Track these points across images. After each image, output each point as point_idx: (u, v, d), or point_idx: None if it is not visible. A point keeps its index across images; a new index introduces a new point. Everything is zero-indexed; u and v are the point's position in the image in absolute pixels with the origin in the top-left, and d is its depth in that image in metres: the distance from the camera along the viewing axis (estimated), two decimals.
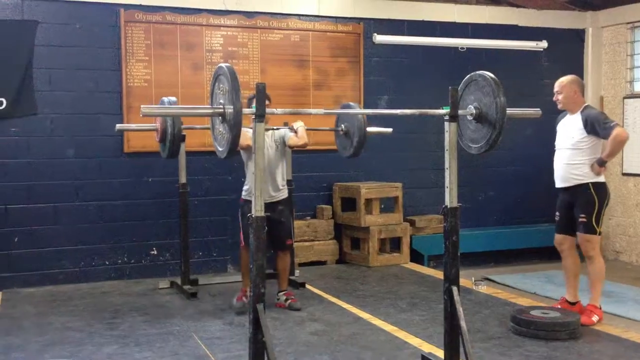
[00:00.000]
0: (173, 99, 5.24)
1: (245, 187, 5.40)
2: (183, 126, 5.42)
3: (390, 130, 5.81)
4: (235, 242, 6.90)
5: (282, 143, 5.43)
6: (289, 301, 5.45)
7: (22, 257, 6.33)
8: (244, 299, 5.36)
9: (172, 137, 5.22)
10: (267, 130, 5.28)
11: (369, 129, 5.27)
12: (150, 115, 4.89)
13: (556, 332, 4.61)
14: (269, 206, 4.99)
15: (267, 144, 5.27)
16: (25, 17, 6.27)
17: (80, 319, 5.24)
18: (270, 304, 5.32)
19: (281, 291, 5.56)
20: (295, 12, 7.22)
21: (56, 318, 5.26)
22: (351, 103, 5.37)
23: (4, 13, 6.21)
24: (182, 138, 5.51)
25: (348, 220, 7.27)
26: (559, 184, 5.26)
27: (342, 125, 5.34)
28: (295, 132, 5.37)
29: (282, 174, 5.48)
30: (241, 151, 5.23)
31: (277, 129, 5.46)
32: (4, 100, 6.18)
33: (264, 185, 5.03)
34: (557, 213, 5.34)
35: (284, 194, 5.51)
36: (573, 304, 5.30)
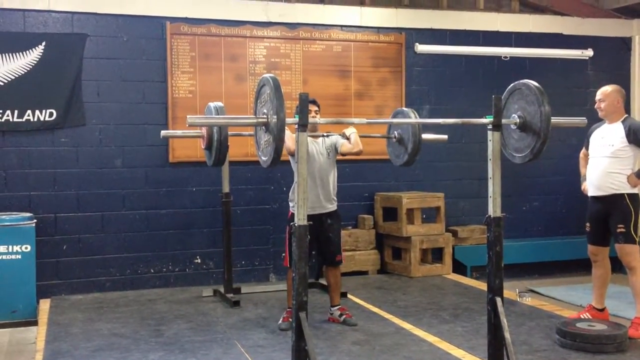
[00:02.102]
0: (219, 104, 5.18)
1: (292, 198, 5.08)
2: (229, 133, 5.27)
3: (445, 137, 5.61)
4: (276, 251, 6.97)
5: (334, 150, 5.25)
6: (344, 316, 5.31)
7: (71, 264, 6.48)
8: (290, 319, 5.29)
9: (219, 144, 5.12)
10: (317, 137, 5.22)
11: (424, 136, 5.00)
12: (196, 125, 4.95)
13: (603, 345, 4.52)
14: (318, 218, 5.00)
15: (317, 151, 5.18)
16: (75, 30, 6.46)
17: (126, 325, 5.34)
18: (323, 319, 5.36)
19: (334, 306, 5.39)
20: (337, 22, 7.27)
21: (103, 325, 5.37)
22: (404, 109, 5.07)
23: (55, 27, 6.40)
24: (228, 146, 5.38)
25: (389, 230, 7.26)
26: (593, 192, 5.21)
27: (396, 132, 5.09)
28: (348, 138, 5.17)
29: (333, 183, 5.27)
30: (290, 159, 4.97)
31: (328, 135, 5.27)
32: (54, 111, 6.36)
33: (315, 194, 5.09)
34: (588, 224, 5.31)
35: (335, 206, 5.31)
36: (600, 310, 5.28)
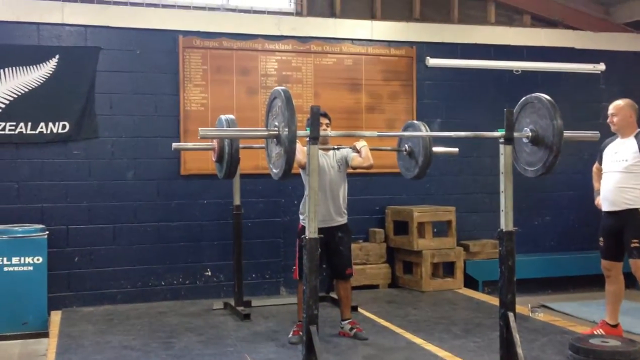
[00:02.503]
0: (231, 117, 5.18)
1: (303, 211, 5.13)
2: (240, 145, 5.21)
3: (456, 150, 5.58)
4: (287, 264, 6.95)
5: (345, 164, 5.23)
6: (355, 330, 5.24)
7: (82, 276, 6.50)
8: (300, 333, 5.30)
9: (230, 157, 5.08)
10: (328, 150, 5.19)
11: (435, 149, 4.94)
12: (208, 137, 4.95)
13: None
14: (328, 231, 4.95)
15: (328, 164, 5.18)
16: (88, 43, 6.51)
17: (137, 338, 5.34)
18: (333, 333, 5.34)
19: (345, 320, 5.33)
20: (348, 36, 7.30)
21: (114, 337, 5.37)
22: (415, 122, 5.00)
23: (69, 40, 6.46)
24: (239, 158, 5.32)
25: (400, 244, 7.23)
26: (607, 207, 5.18)
27: (406, 145, 5.03)
28: (359, 152, 5.16)
29: (344, 196, 5.25)
30: (301, 172, 5.00)
31: (339, 148, 5.23)
32: (67, 123, 6.40)
33: (326, 207, 5.08)
34: (601, 239, 5.27)
35: (345, 219, 5.28)
36: (614, 326, 5.23)
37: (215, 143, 5.29)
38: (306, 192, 4.87)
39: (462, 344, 5.10)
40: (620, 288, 5.26)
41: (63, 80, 6.37)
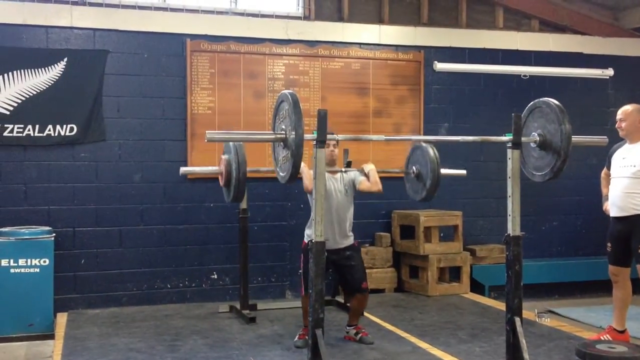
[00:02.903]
0: (239, 143, 5.04)
1: (307, 232, 5.12)
2: (248, 168, 5.15)
3: (464, 172, 5.59)
4: (293, 267, 6.95)
5: (352, 187, 5.18)
6: (360, 335, 5.21)
7: (88, 278, 6.51)
8: (306, 337, 5.34)
9: (237, 182, 5.06)
10: (335, 172, 5.16)
11: (443, 171, 4.94)
12: (214, 140, 4.94)
13: None
14: (334, 252, 4.97)
15: (335, 188, 5.12)
16: (96, 47, 6.53)
17: (142, 340, 5.34)
18: (339, 337, 5.33)
19: (351, 325, 5.31)
20: (356, 40, 7.30)
21: (120, 339, 5.37)
22: (423, 145, 4.99)
23: (77, 43, 6.48)
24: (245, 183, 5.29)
25: (407, 248, 7.22)
26: (615, 212, 5.17)
27: (414, 167, 5.04)
28: (367, 175, 5.14)
29: (350, 220, 5.19)
30: (308, 197, 4.91)
31: (347, 171, 5.21)
32: (74, 126, 6.42)
33: (331, 231, 4.99)
34: (609, 244, 5.26)
35: (350, 240, 5.21)
36: (621, 332, 5.22)
37: (222, 168, 5.26)
38: (312, 215, 4.75)
39: (468, 349, 5.08)
40: (628, 294, 5.25)
41: (71, 83, 6.39)
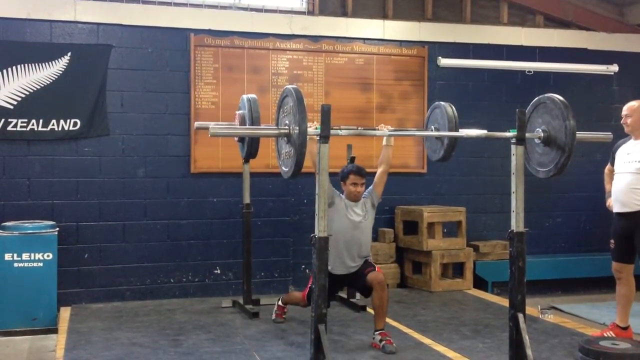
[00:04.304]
0: (253, 96, 5.12)
1: None
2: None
3: (484, 132, 5.55)
4: (296, 262, 6.96)
5: (372, 206, 5.24)
6: (384, 342, 4.88)
7: (92, 273, 6.52)
8: (284, 316, 5.67)
9: (250, 138, 5.11)
10: (357, 201, 5.16)
11: (461, 131, 4.79)
12: (218, 135, 4.95)
13: None
14: (346, 275, 5.10)
15: (353, 217, 5.12)
16: (100, 41, 6.53)
17: (145, 335, 5.35)
18: (340, 332, 5.32)
19: (377, 330, 4.99)
20: (360, 36, 7.28)
21: (123, 334, 5.38)
22: (442, 103, 4.92)
23: (81, 37, 6.48)
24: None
25: (410, 244, 7.22)
26: (618, 208, 5.17)
27: (432, 126, 4.95)
28: (388, 146, 5.25)
29: (367, 242, 5.20)
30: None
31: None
32: (78, 121, 6.42)
33: (342, 257, 5.05)
34: (612, 240, 5.26)
35: (364, 259, 5.19)
36: (624, 328, 5.22)
37: (237, 122, 5.27)
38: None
39: (471, 345, 5.07)
40: (631, 290, 5.25)
41: (75, 77, 6.39)
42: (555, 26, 8.00)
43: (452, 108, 4.73)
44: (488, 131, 4.63)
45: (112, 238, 6.57)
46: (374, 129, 5.30)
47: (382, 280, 4.95)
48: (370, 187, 5.29)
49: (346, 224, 5.08)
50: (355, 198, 5.15)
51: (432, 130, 4.94)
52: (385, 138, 5.27)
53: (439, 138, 4.85)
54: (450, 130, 4.65)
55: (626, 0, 8.14)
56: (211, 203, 6.85)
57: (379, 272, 5.05)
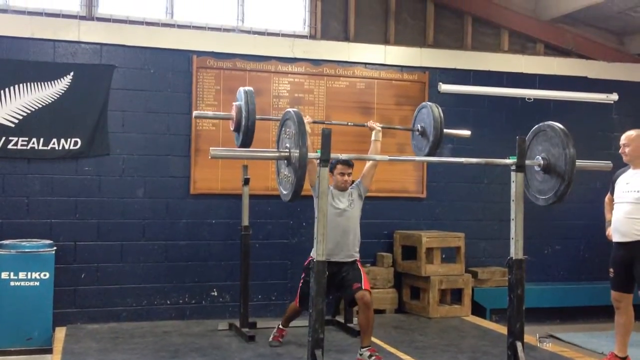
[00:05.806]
0: (249, 88, 5.20)
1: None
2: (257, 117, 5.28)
3: (468, 133, 5.76)
4: (294, 286, 6.90)
5: (359, 197, 5.35)
6: (374, 358, 4.99)
7: (88, 293, 6.48)
8: (280, 340, 5.61)
9: (246, 129, 5.16)
10: (344, 191, 5.30)
11: (446, 130, 5.24)
12: (218, 157, 4.94)
13: None
14: (333, 264, 4.97)
15: (344, 204, 5.26)
16: (103, 61, 6.56)
17: (141, 357, 5.30)
18: (337, 357, 5.28)
19: (364, 347, 5.07)
20: (361, 60, 7.33)
21: (118, 355, 5.34)
22: (428, 103, 5.37)
23: (84, 57, 6.51)
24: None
25: (408, 269, 7.19)
26: (617, 238, 5.16)
27: (419, 125, 5.33)
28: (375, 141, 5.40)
29: (355, 234, 5.33)
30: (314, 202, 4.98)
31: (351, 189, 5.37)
32: (79, 140, 6.43)
33: (334, 241, 5.06)
34: (612, 269, 5.24)
35: (353, 257, 5.30)
36: (623, 358, 5.18)
37: (233, 113, 5.32)
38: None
39: None
40: (630, 320, 5.21)
41: (77, 97, 6.41)
42: (556, 54, 8.05)
43: (437, 108, 5.06)
44: (488, 158, 4.63)
45: (110, 258, 6.55)
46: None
47: (369, 301, 5.04)
48: (359, 179, 5.41)
49: (331, 211, 5.03)
50: (343, 187, 5.28)
51: (418, 129, 5.37)
52: (373, 133, 5.47)
53: (424, 136, 5.25)
54: (435, 129, 5.03)
55: (626, 30, 8.20)
56: (210, 225, 6.83)
57: (366, 292, 5.06)
